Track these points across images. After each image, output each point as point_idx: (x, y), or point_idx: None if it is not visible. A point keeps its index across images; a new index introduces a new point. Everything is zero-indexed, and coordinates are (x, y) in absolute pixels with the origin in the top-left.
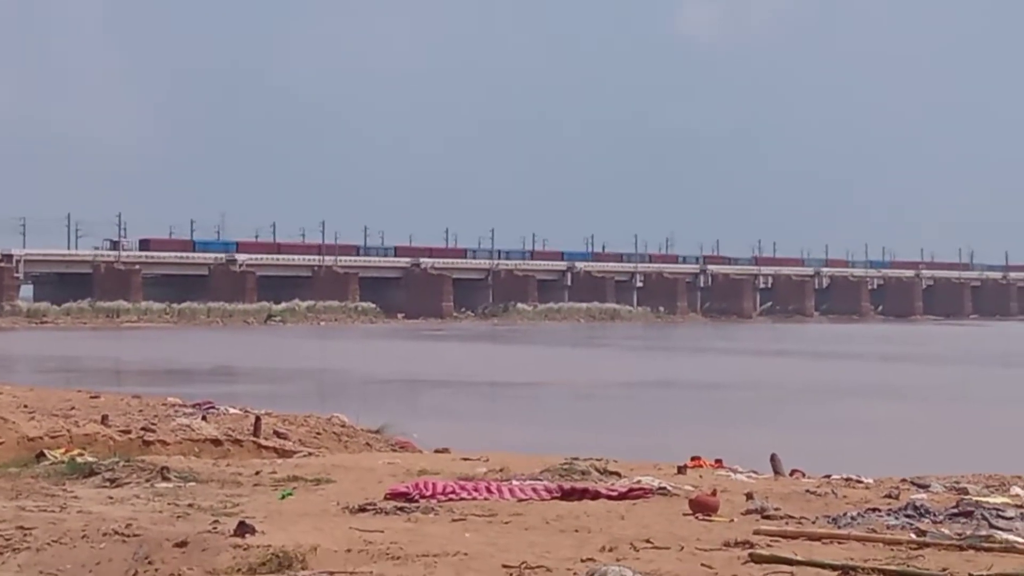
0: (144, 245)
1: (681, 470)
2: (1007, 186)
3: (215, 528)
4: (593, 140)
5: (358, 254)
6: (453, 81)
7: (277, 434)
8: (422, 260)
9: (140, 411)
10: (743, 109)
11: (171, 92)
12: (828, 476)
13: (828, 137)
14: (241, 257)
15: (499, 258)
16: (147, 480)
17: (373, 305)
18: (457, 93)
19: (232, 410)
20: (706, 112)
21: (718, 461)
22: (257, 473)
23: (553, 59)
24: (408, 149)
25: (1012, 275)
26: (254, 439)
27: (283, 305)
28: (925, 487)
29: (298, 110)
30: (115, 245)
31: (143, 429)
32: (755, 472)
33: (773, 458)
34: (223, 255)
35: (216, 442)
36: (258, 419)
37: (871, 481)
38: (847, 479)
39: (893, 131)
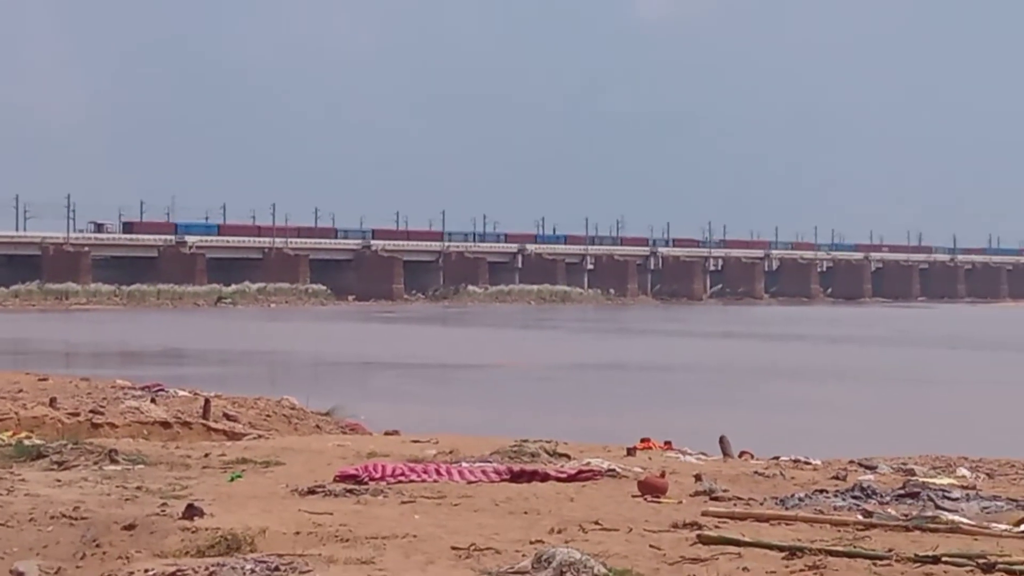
0: (128, 228)
1: (630, 452)
2: (956, 170)
3: (163, 511)
4: (543, 122)
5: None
6: (402, 62)
7: (227, 416)
8: (373, 242)
9: (89, 393)
10: (694, 90)
11: (119, 72)
12: (777, 458)
13: (778, 119)
14: (191, 239)
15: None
16: (95, 463)
17: (324, 287)
18: (406, 75)
19: (181, 392)
20: (657, 93)
21: (667, 443)
22: (206, 455)
23: (502, 40)
24: (358, 131)
25: (960, 258)
26: (203, 422)
27: (233, 287)
28: (872, 468)
29: (248, 91)
30: (100, 228)
31: (92, 412)
32: (704, 454)
33: (722, 440)
34: (172, 237)
35: (165, 425)
36: (207, 401)
37: (819, 463)
38: (795, 461)
39: (843, 114)
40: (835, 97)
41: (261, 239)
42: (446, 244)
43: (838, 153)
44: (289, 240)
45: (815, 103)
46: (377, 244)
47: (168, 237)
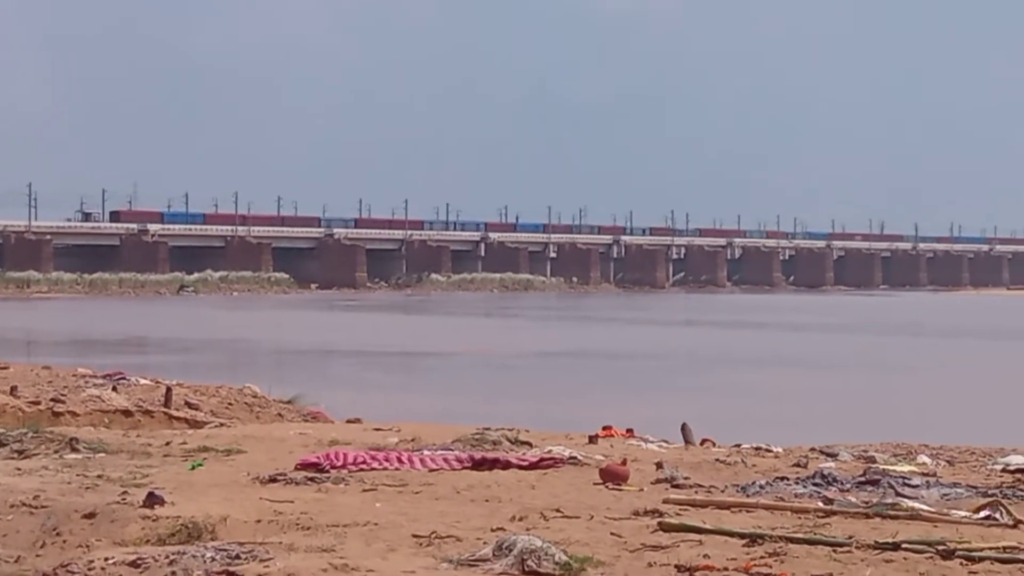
0: (114, 216)
1: (592, 440)
2: (917, 160)
3: (124, 499)
4: (505, 110)
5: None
6: (361, 50)
7: (188, 405)
8: (336, 230)
9: (50, 382)
10: (658, 78)
11: (81, 61)
12: (738, 445)
13: (742, 108)
14: (153, 227)
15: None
16: (56, 451)
17: (286, 275)
18: (366, 63)
19: (143, 381)
20: (621, 81)
21: (629, 431)
22: (167, 444)
23: (464, 27)
24: (321, 119)
25: (921, 246)
26: (165, 410)
27: (195, 276)
28: (833, 456)
29: (206, 79)
30: (87, 216)
31: (53, 400)
32: (666, 441)
33: (684, 427)
34: (135, 226)
35: (127, 413)
36: (169, 390)
37: (780, 450)
38: (757, 448)
39: (806, 102)
40: (798, 85)
41: (223, 227)
42: (408, 233)
43: (801, 142)
44: (251, 228)
45: (778, 91)
46: (340, 232)
47: (131, 226)
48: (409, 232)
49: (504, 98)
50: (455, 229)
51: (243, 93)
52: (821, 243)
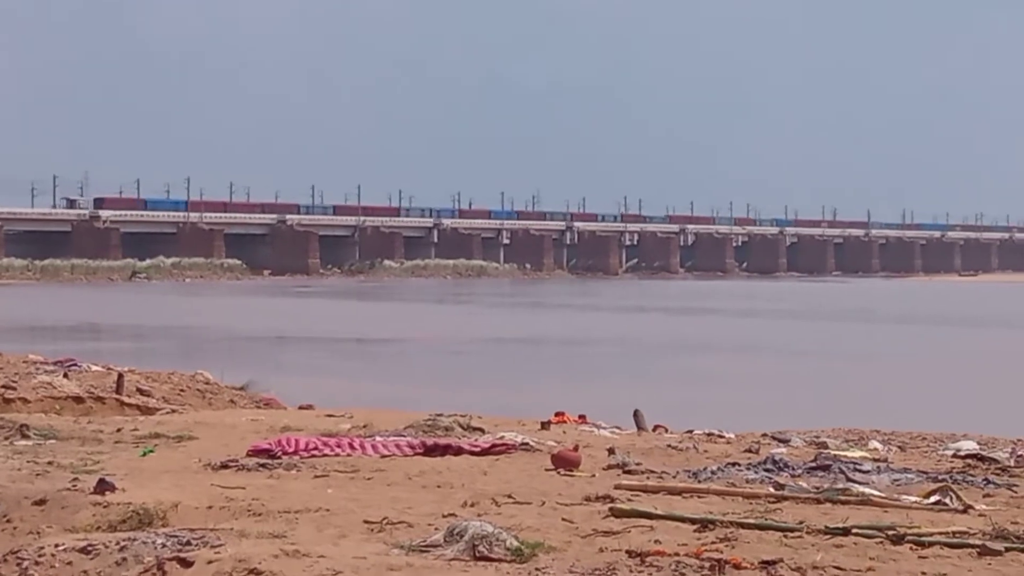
0: (99, 203)
1: (545, 426)
2: (870, 147)
3: (75, 486)
4: (459, 96)
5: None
6: (314, 34)
7: (140, 391)
8: (288, 216)
9: (0, 368)
10: (612, 65)
11: (29, 44)
12: (690, 431)
13: (695, 95)
14: (105, 213)
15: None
16: (6, 438)
17: (239, 262)
18: (319, 47)
19: (95, 367)
20: (573, 67)
21: (582, 417)
22: (119, 430)
23: (417, 12)
24: (274, 104)
25: (874, 233)
26: (117, 396)
27: (148, 262)
28: (785, 442)
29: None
30: (72, 204)
31: (3, 387)
32: (619, 427)
33: (636, 413)
34: (87, 212)
35: (78, 400)
36: (121, 376)
37: (733, 436)
38: (709, 434)
39: (760, 89)
40: (753, 71)
41: (176, 214)
42: (361, 219)
43: (755, 128)
44: (204, 215)
45: (733, 77)
46: (293, 218)
47: (83, 212)
48: (362, 218)
49: (457, 84)
50: (418, 215)
51: (194, 78)
52: (774, 230)
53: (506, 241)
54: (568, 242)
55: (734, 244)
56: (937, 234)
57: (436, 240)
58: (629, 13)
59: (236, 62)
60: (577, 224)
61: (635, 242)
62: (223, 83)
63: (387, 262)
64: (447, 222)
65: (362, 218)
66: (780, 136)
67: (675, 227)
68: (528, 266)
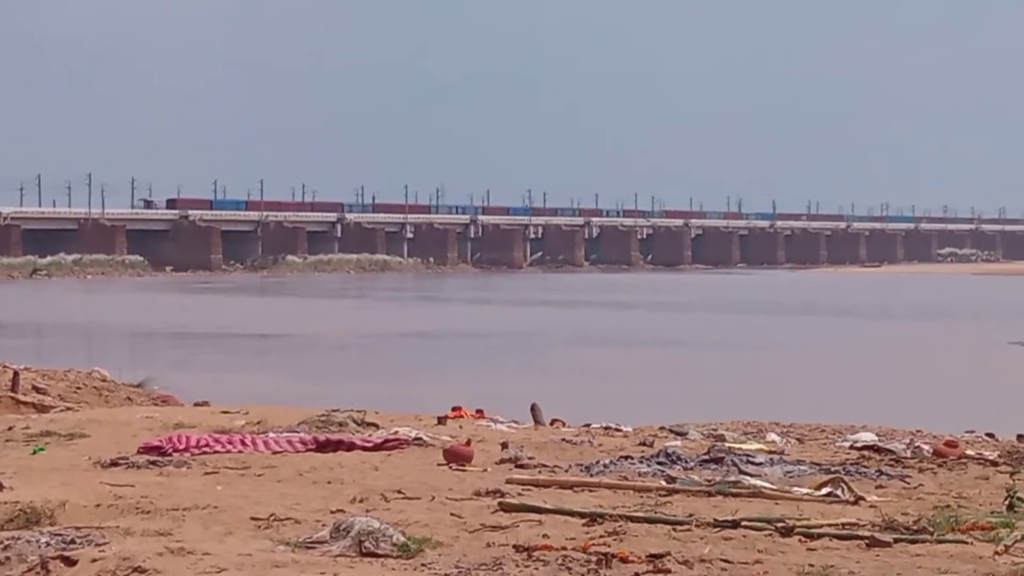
0: (171, 204)
1: (441, 420)
2: (775, 137)
3: None
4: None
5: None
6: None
7: (36, 389)
8: (190, 212)
9: None
10: (518, 55)
11: None
12: (588, 425)
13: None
14: (6, 210)
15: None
16: None
17: (141, 258)
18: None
19: None
20: (479, 58)
21: (479, 411)
22: (10, 429)
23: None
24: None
25: (779, 224)
26: (11, 394)
27: (49, 259)
28: (682, 434)
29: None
30: (149, 204)
31: None
32: (516, 422)
33: (533, 408)
34: None
35: None
36: (16, 374)
37: (630, 429)
38: (607, 428)
39: (663, 81)
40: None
41: (78, 210)
42: (264, 214)
43: (661, 119)
44: (105, 211)
45: (640, 69)
46: (195, 214)
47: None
48: (264, 213)
49: (360, 75)
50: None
51: (96, 71)
52: (678, 222)
53: (410, 235)
54: (472, 236)
55: (639, 237)
56: (842, 225)
57: (339, 235)
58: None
59: (136, 53)
60: (481, 218)
61: (540, 235)
62: (124, 77)
63: (290, 257)
64: (350, 216)
65: (265, 213)
66: (686, 126)
67: (580, 220)
68: (432, 260)
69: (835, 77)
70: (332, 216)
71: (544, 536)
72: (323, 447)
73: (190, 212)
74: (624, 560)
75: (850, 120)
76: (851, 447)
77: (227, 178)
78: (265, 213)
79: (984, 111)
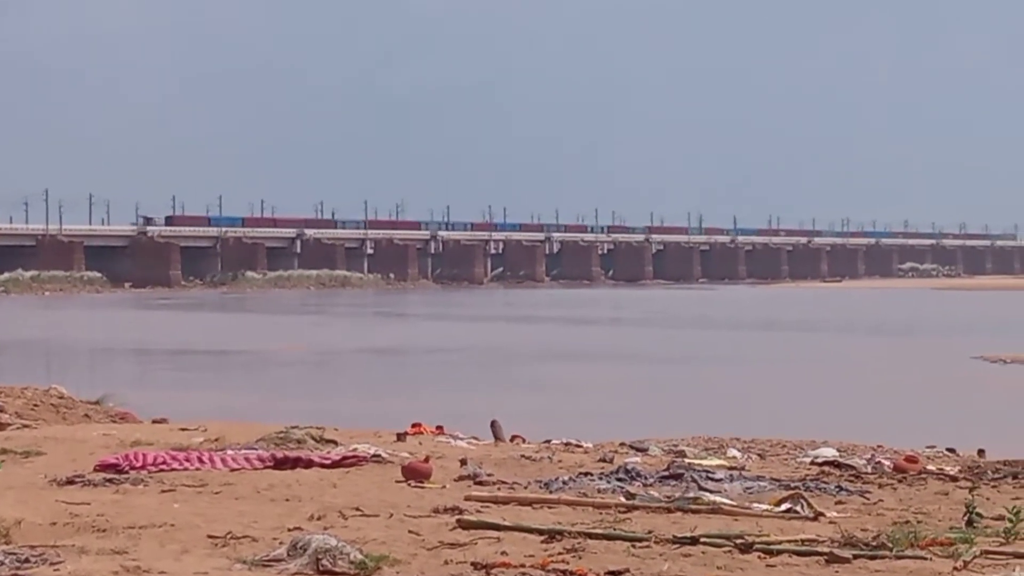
0: (169, 221)
1: (401, 437)
2: (735, 152)
3: None
4: (320, 103)
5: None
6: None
7: None
8: (149, 228)
9: None
10: (478, 71)
11: None
12: (548, 441)
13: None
14: None
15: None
16: None
17: (99, 274)
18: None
19: None
20: (437, 74)
21: (439, 427)
22: None
23: (275, 16)
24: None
25: (740, 239)
26: None
27: (6, 275)
28: (643, 450)
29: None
30: (148, 221)
31: None
32: (476, 438)
33: (493, 424)
34: None
35: None
36: None
37: (590, 445)
38: (567, 444)
39: (623, 96)
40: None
41: (34, 226)
42: (223, 230)
43: (619, 134)
44: (63, 227)
45: (601, 85)
46: (153, 230)
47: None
48: (224, 229)
49: (320, 90)
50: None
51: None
52: (639, 237)
53: (370, 251)
54: (433, 251)
55: (600, 252)
56: (803, 240)
57: (299, 251)
58: (498, 18)
59: (93, 68)
60: (441, 233)
61: (500, 251)
62: (81, 92)
63: (250, 273)
64: (310, 232)
65: (224, 229)
66: (648, 141)
67: (540, 235)
68: (392, 276)
69: (796, 93)
70: (291, 232)
71: (503, 553)
72: (281, 464)
73: (149, 228)
74: None
75: (811, 135)
76: (812, 463)
77: (185, 194)
78: (224, 229)
79: (944, 127)
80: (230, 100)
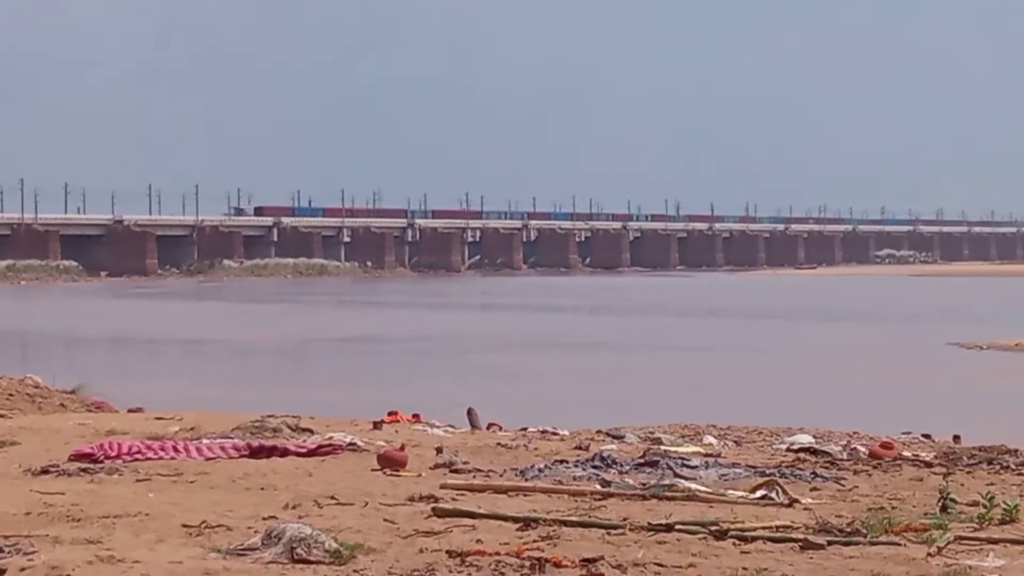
0: (259, 211)
1: (377, 425)
2: (713, 138)
3: None
4: (296, 89)
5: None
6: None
7: None
8: (125, 217)
9: None
10: (452, 58)
11: None
12: (524, 429)
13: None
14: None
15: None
16: None
17: (75, 264)
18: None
19: None
20: (413, 60)
21: (415, 416)
22: None
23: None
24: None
25: (718, 226)
26: None
27: None
28: (620, 438)
29: None
30: (240, 211)
31: None
32: (452, 426)
33: (470, 412)
34: None
35: None
36: None
37: (566, 433)
38: (543, 431)
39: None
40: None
41: (9, 215)
42: (200, 218)
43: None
44: (39, 216)
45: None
46: (129, 219)
47: None
48: (200, 218)
49: (294, 80)
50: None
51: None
52: (616, 224)
53: (347, 239)
54: (410, 239)
55: (577, 240)
56: (781, 227)
57: (276, 239)
58: (471, 6)
59: (66, 57)
60: (419, 221)
61: (478, 239)
62: (54, 81)
63: (226, 262)
64: (286, 221)
65: (200, 217)
66: (623, 129)
67: (518, 223)
68: (369, 264)
69: (771, 78)
70: (268, 220)
71: (478, 541)
72: (256, 453)
73: (125, 217)
74: (558, 565)
75: (787, 121)
76: (788, 449)
77: (162, 182)
78: (200, 217)
79: (920, 113)
80: (207, 89)
